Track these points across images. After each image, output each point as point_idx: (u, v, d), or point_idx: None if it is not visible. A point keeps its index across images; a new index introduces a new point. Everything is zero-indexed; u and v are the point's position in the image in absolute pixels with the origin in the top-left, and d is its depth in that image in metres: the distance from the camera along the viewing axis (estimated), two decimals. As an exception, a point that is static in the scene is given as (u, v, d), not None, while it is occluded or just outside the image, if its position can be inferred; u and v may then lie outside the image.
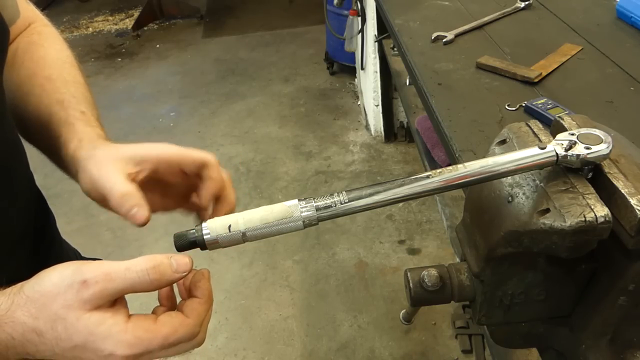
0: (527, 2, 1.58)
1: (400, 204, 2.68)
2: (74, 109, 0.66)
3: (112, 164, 0.57)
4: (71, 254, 0.85)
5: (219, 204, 0.61)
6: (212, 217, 0.56)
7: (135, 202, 0.55)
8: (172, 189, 0.63)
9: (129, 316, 0.47)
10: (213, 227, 0.50)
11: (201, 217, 0.62)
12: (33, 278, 0.47)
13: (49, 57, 0.73)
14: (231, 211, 0.61)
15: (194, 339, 0.49)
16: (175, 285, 0.51)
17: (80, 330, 0.44)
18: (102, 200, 0.58)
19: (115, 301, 0.47)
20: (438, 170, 0.51)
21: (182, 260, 0.48)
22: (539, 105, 1.06)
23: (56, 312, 0.44)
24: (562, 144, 0.51)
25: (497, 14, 1.55)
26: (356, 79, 3.74)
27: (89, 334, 0.44)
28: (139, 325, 0.46)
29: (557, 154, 0.51)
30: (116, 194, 0.55)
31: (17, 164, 0.70)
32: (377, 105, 3.10)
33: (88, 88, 0.72)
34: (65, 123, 0.65)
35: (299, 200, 0.51)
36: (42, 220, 0.79)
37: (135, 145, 0.59)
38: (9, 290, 0.47)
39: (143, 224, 0.55)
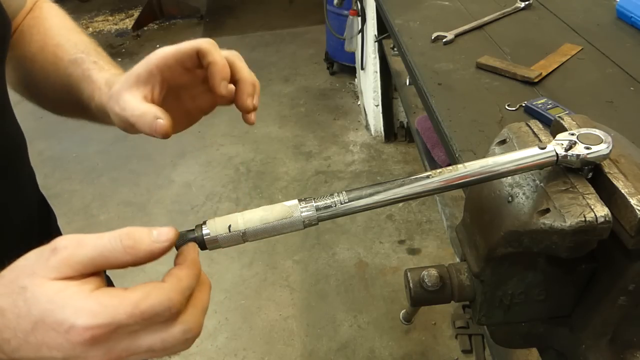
0: (527, 2, 1.58)
1: (400, 204, 2.69)
2: (87, 62, 0.68)
3: (127, 92, 0.58)
4: None
5: (237, 87, 0.59)
6: (237, 100, 0.59)
7: (153, 116, 0.55)
8: (193, 91, 0.63)
9: (99, 288, 0.40)
10: (213, 226, 0.50)
11: (237, 103, 0.61)
12: None
13: (55, 27, 0.75)
14: (253, 87, 0.60)
15: (174, 312, 0.40)
16: None
17: (39, 299, 0.39)
18: (136, 130, 0.59)
19: (88, 275, 0.41)
20: (438, 170, 0.51)
21: (163, 229, 0.42)
22: (539, 105, 1.06)
23: (20, 283, 0.40)
24: (562, 144, 0.51)
25: (497, 14, 1.55)
26: (356, 79, 3.74)
27: (47, 302, 0.38)
28: (106, 292, 0.39)
29: (557, 154, 0.51)
30: (136, 116, 0.56)
31: (19, 160, 0.70)
32: (377, 105, 3.10)
33: (96, 44, 0.74)
34: (83, 78, 0.67)
35: (299, 200, 0.51)
36: (44, 218, 0.79)
37: (138, 65, 0.59)
38: None
39: (166, 134, 0.56)
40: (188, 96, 0.64)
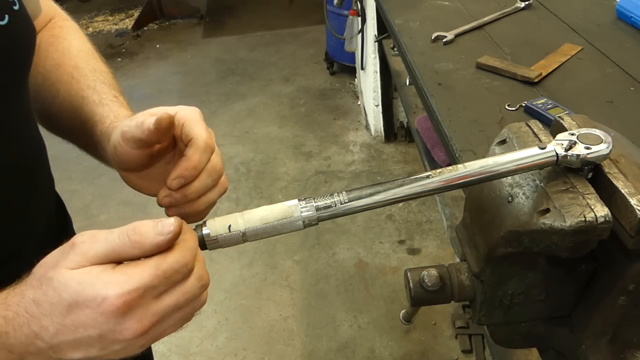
0: (527, 2, 1.58)
1: (400, 204, 2.69)
2: (107, 93, 0.68)
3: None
4: None
5: (182, 188, 0.55)
6: (167, 197, 0.56)
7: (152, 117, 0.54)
8: (169, 157, 0.62)
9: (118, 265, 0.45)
10: (213, 226, 0.50)
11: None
12: None
13: (73, 48, 0.74)
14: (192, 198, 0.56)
15: (188, 268, 0.45)
16: None
17: (67, 284, 0.42)
18: (127, 156, 0.58)
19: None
20: (438, 170, 0.51)
21: (167, 221, 0.45)
22: (539, 105, 1.06)
23: (47, 275, 0.44)
24: (562, 144, 0.51)
25: (497, 14, 1.54)
26: (356, 79, 3.74)
27: (76, 285, 0.42)
28: (126, 265, 0.44)
29: (557, 154, 0.51)
30: (146, 116, 0.55)
31: (40, 165, 0.70)
32: (377, 105, 3.10)
33: (114, 77, 0.74)
34: (100, 104, 0.66)
35: (299, 200, 0.51)
36: (62, 222, 0.79)
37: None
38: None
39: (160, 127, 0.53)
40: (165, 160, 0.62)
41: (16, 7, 0.59)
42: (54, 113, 0.71)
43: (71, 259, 0.43)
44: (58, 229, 0.76)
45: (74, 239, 0.45)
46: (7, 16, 0.57)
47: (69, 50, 0.74)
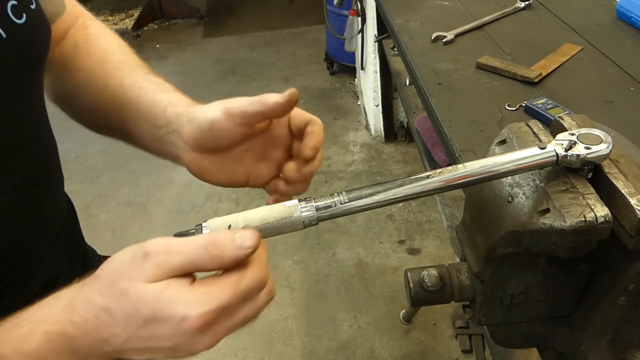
0: (527, 2, 1.58)
1: (400, 204, 2.68)
2: (164, 83, 0.68)
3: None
4: (91, 254, 0.85)
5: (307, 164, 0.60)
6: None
7: (278, 94, 0.55)
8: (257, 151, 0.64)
9: (195, 281, 0.45)
10: (213, 226, 0.50)
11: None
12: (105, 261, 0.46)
13: (113, 45, 0.74)
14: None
15: (264, 284, 0.46)
16: None
17: (146, 299, 0.42)
18: (225, 132, 0.59)
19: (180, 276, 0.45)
20: (438, 170, 0.51)
21: (246, 234, 0.44)
22: (539, 105, 1.06)
23: (121, 286, 0.43)
24: (562, 144, 0.51)
25: (497, 14, 1.55)
26: (356, 79, 3.74)
27: (155, 301, 0.42)
28: (204, 282, 0.44)
29: (557, 154, 0.51)
30: (253, 100, 0.56)
31: (52, 164, 0.70)
32: (377, 105, 3.10)
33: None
34: (165, 91, 0.66)
35: (299, 200, 0.51)
36: (72, 220, 0.79)
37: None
38: (79, 281, 0.47)
39: (295, 97, 0.56)
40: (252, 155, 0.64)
41: (33, 6, 0.59)
42: (100, 108, 0.70)
43: (147, 270, 0.43)
44: (68, 228, 0.76)
45: (147, 247, 0.44)
46: (24, 15, 0.57)
47: (110, 47, 0.74)
